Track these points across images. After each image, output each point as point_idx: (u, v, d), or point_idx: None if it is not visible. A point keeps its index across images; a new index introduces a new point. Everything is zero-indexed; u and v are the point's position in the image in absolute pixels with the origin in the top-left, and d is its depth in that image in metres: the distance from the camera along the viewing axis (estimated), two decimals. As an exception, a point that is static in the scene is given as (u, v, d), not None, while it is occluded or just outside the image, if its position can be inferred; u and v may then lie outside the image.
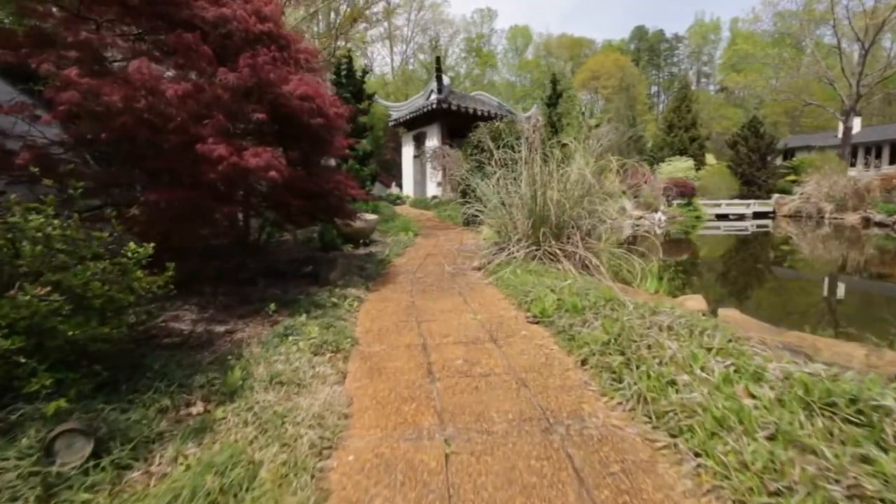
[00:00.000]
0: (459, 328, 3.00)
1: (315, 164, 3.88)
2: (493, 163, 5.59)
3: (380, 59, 44.75)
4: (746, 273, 8.51)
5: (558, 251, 4.53)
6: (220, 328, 3.12)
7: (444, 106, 15.27)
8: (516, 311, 3.36)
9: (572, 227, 4.57)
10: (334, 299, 3.52)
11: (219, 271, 4.57)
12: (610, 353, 2.26)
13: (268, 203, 3.99)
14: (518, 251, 4.64)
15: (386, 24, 41.57)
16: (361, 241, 7.26)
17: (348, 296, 3.70)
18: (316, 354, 2.52)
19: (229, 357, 2.51)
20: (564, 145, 5.09)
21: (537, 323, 3.05)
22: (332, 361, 2.45)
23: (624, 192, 5.00)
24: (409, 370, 2.35)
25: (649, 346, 2.21)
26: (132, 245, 2.53)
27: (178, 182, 3.10)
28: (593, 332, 2.52)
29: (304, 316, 3.10)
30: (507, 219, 4.95)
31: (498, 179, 5.15)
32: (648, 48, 69.96)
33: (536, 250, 4.61)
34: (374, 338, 2.86)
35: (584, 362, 2.35)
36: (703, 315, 2.84)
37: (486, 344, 2.71)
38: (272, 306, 3.36)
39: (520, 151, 5.14)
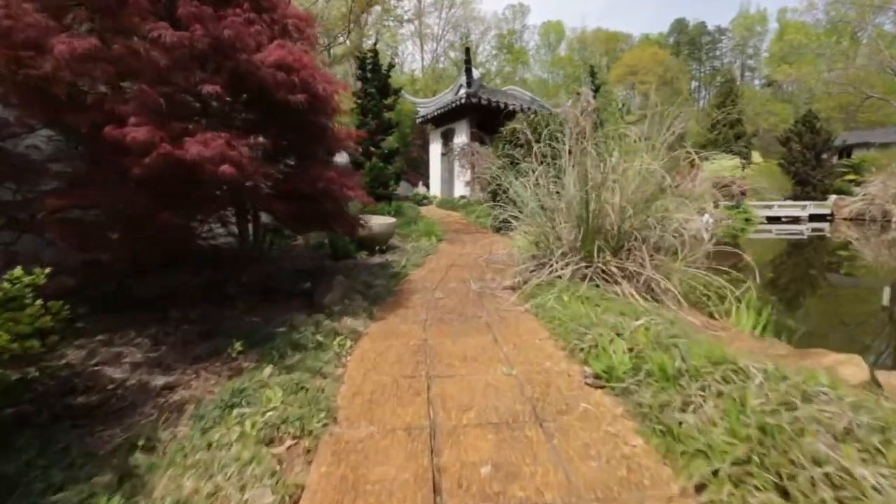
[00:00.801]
0: (487, 393, 2.07)
1: (306, 158, 3.02)
2: (529, 158, 4.63)
3: (410, 59, 44.22)
4: (851, 299, 6.84)
5: (615, 270, 3.53)
6: (161, 379, 2.29)
7: (474, 100, 14.30)
8: (567, 362, 2.40)
9: (635, 240, 3.56)
10: (320, 337, 2.63)
11: (208, 283, 3.82)
12: (757, 487, 1.28)
13: (259, 206, 3.17)
14: (563, 268, 3.67)
15: (416, 22, 41.04)
16: (377, 247, 6.42)
17: (341, 331, 2.81)
18: (268, 444, 1.65)
19: (140, 443, 1.67)
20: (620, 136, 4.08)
21: (602, 388, 2.09)
22: (288, 461, 1.56)
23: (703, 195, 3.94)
24: (404, 487, 1.43)
25: (829, 478, 1.23)
26: (15, 273, 1.74)
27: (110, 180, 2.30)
28: (708, 428, 1.54)
29: (270, 367, 2.24)
30: (549, 227, 3.97)
31: (537, 178, 4.18)
32: (689, 42, 66.98)
33: (587, 268, 3.63)
34: (360, 409, 1.95)
35: (700, 489, 1.38)
36: (871, 389, 1.82)
37: (528, 429, 1.76)
38: (237, 346, 2.52)
39: (563, 144, 4.15)
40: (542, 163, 4.15)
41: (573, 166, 3.88)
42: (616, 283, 3.54)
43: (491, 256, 5.79)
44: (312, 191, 2.81)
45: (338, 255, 5.93)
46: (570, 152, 4.09)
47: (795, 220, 20.52)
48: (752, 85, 58.49)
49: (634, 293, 3.42)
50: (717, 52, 66.60)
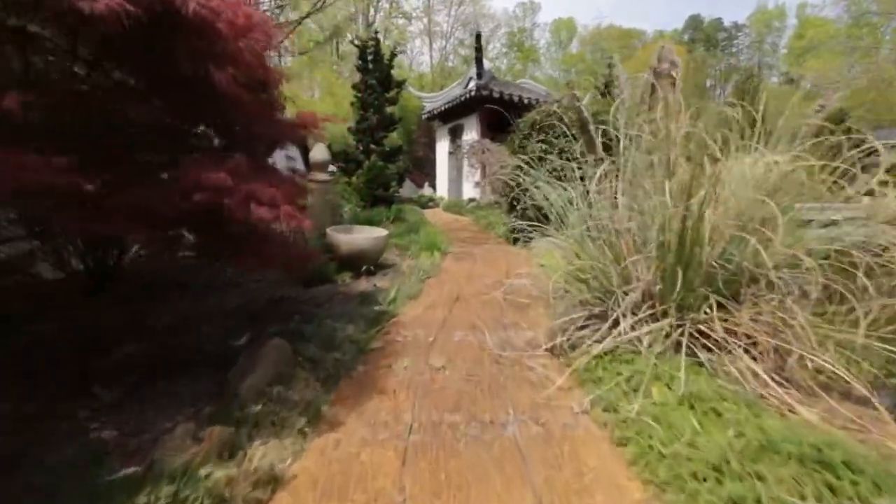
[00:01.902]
0: None
1: (172, 147, 1.65)
2: (566, 154, 3.24)
3: (418, 54, 43.00)
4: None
5: (726, 334, 2.12)
6: None
7: (485, 93, 12.88)
8: None
9: (761, 283, 2.15)
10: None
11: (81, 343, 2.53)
12: None
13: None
14: (636, 326, 2.26)
15: (425, 19, 39.90)
16: (365, 267, 5.05)
17: (235, 488, 1.43)
18: None
19: None
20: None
21: None
22: None
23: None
24: None
25: None
26: None
27: None
28: None
29: None
30: (608, 260, 2.56)
31: (587, 185, 2.76)
32: (704, 39, 65.01)
33: (677, 327, 2.22)
34: None
35: None
36: None
37: None
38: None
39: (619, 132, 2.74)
40: (596, 160, 2.73)
41: (653, 164, 2.47)
42: (727, 351, 2.14)
43: (510, 282, 4.38)
44: (180, 206, 1.45)
45: (312, 279, 4.59)
46: (633, 141, 2.68)
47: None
48: (770, 82, 56.34)
49: (762, 374, 2.01)
50: (734, 49, 64.49)
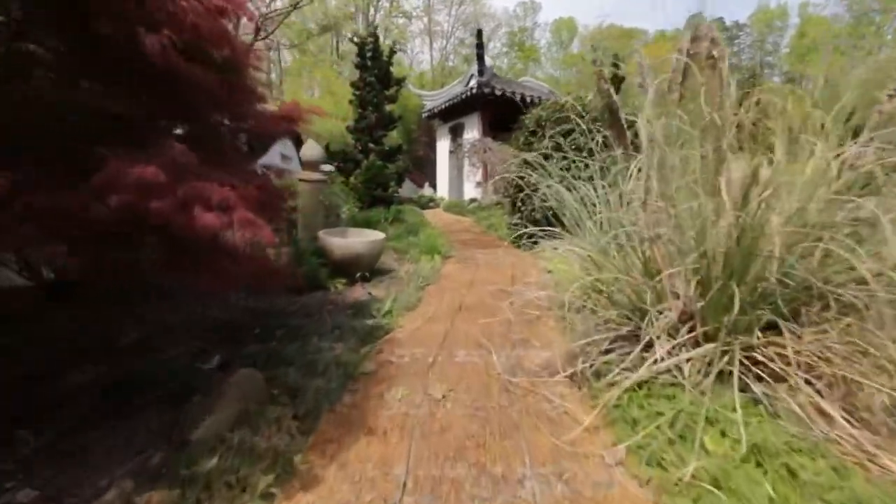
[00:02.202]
0: None
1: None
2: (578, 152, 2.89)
3: (418, 57, 42.73)
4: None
5: (784, 361, 1.76)
6: None
7: (486, 90, 12.52)
8: None
9: (824, 300, 1.79)
10: None
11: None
12: None
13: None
14: (674, 352, 1.90)
15: (425, 18, 39.68)
16: (359, 273, 4.69)
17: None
18: None
19: None
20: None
21: None
22: None
23: None
24: None
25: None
26: None
27: None
28: None
29: None
30: (638, 271, 2.19)
31: (610, 183, 2.41)
32: (706, 38, 64.60)
33: (723, 353, 1.86)
34: None
35: None
36: None
37: None
38: None
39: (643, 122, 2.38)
40: (625, 154, 2.37)
41: (688, 160, 2.10)
42: (784, 382, 1.77)
43: (518, 290, 4.02)
44: (95, 209, 1.09)
45: (301, 286, 4.23)
46: (663, 133, 2.31)
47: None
48: (771, 81, 55.84)
49: (832, 413, 1.65)
50: (735, 49, 64.10)
